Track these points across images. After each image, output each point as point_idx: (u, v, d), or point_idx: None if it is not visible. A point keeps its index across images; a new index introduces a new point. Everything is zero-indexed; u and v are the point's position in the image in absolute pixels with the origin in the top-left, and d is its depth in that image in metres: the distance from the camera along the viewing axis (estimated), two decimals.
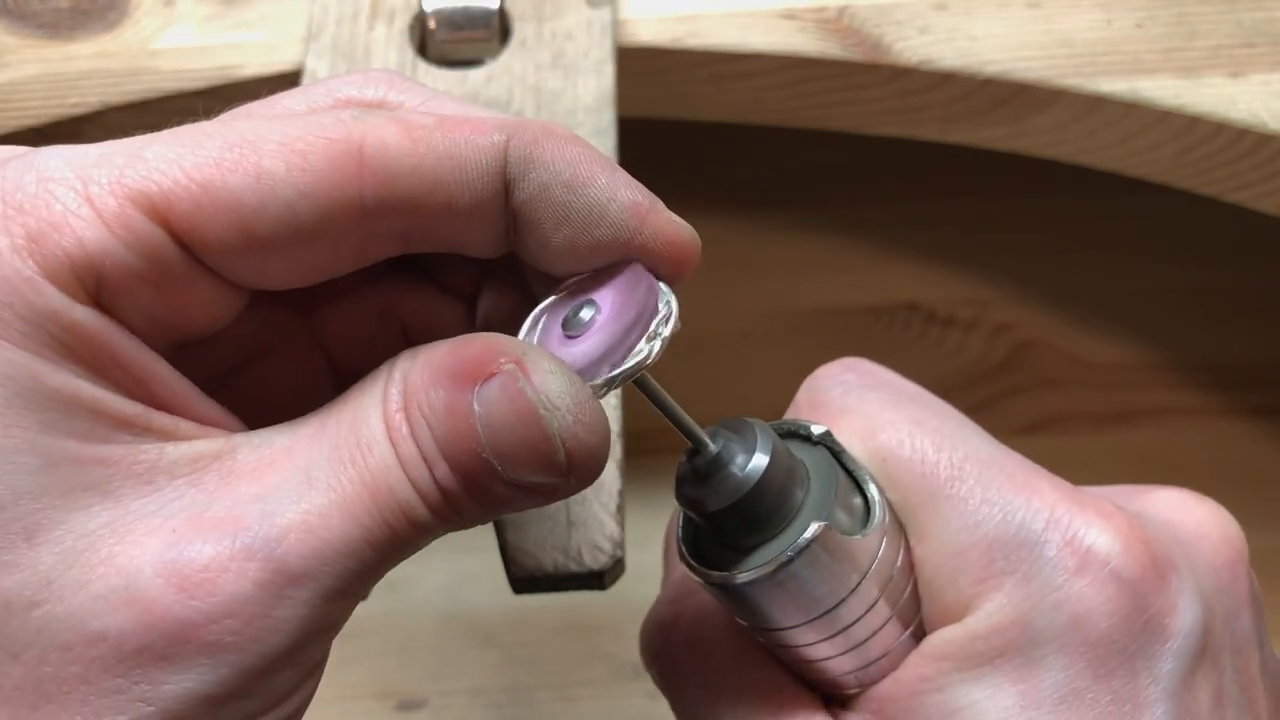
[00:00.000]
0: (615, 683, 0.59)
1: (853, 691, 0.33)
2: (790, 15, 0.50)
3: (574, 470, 0.29)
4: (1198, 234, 0.61)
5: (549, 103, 0.47)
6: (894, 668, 0.33)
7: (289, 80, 0.48)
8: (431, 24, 0.48)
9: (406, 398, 0.28)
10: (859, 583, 0.32)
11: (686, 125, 0.53)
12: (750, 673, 0.34)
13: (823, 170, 0.59)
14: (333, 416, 0.29)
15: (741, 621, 0.33)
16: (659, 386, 0.30)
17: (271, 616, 0.27)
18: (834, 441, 0.33)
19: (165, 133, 0.29)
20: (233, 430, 0.29)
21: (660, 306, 0.30)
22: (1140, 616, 0.31)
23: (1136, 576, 0.32)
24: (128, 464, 0.27)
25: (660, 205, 0.31)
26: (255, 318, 0.32)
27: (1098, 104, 0.49)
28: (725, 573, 0.31)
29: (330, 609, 0.28)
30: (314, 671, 0.29)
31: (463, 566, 0.62)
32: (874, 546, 0.32)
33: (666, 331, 0.29)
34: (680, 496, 0.32)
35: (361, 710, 0.58)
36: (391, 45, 0.48)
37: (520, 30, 0.49)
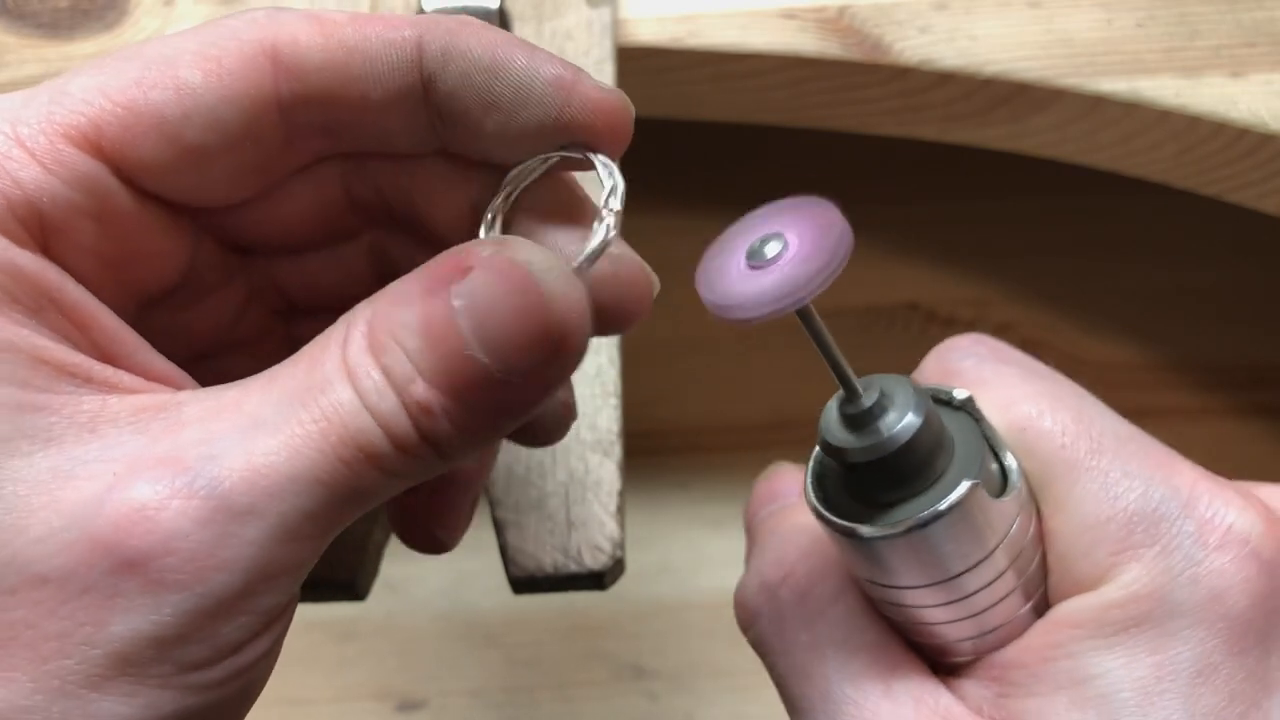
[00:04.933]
0: (615, 683, 0.59)
1: (962, 659, 0.33)
2: (790, 15, 0.50)
3: (567, 341, 0.28)
4: (1198, 234, 0.61)
5: None
6: (1010, 639, 0.33)
7: None
8: None
9: (371, 334, 0.28)
10: (992, 550, 0.31)
11: (686, 125, 0.53)
12: (862, 634, 0.33)
13: (823, 170, 0.59)
14: (284, 369, 0.28)
15: (863, 577, 0.33)
16: (822, 324, 0.30)
17: (215, 555, 0.26)
18: (975, 408, 0.33)
19: (88, 64, 0.29)
20: (178, 382, 0.29)
21: (606, 179, 0.30)
22: (1276, 597, 0.32)
23: (1274, 558, 0.32)
24: (70, 412, 0.27)
25: (585, 75, 0.30)
26: (229, 303, 0.32)
27: (1098, 104, 0.49)
28: (872, 525, 0.31)
29: (281, 550, 0.27)
30: (271, 625, 0.28)
31: (463, 566, 0.62)
32: (1011, 514, 0.32)
33: (617, 205, 0.30)
34: (825, 444, 0.31)
35: (361, 710, 0.58)
36: None
37: (520, 30, 0.49)
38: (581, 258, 0.30)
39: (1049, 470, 0.33)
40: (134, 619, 0.26)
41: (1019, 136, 0.51)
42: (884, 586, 0.32)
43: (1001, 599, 0.32)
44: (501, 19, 0.49)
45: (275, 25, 0.29)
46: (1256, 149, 0.48)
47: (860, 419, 0.31)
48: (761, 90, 0.51)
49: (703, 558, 0.62)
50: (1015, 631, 0.33)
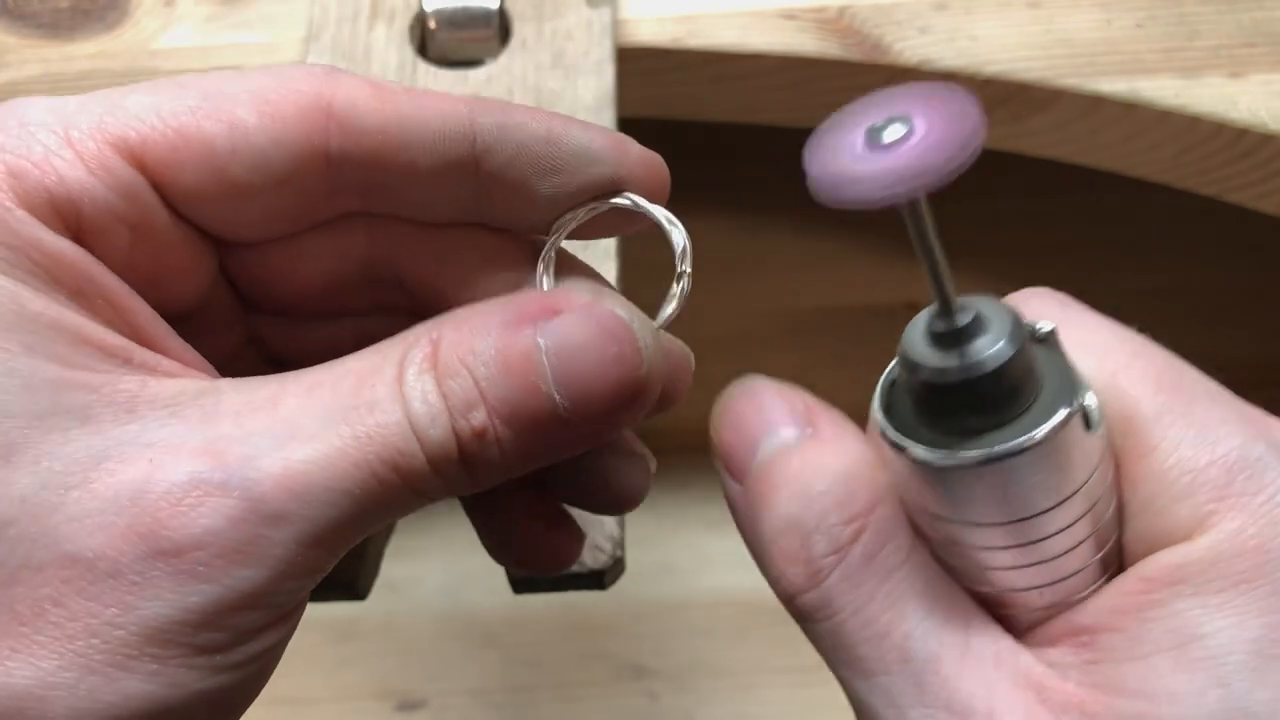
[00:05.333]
0: (615, 683, 0.60)
1: (1025, 616, 0.31)
2: (790, 15, 0.50)
3: (643, 396, 0.30)
4: (1197, 234, 0.61)
5: (549, 103, 0.47)
6: (1075, 593, 0.31)
7: None
8: (432, 24, 0.48)
9: (439, 355, 0.29)
10: (1075, 490, 0.29)
11: (686, 125, 0.53)
12: (938, 586, 0.31)
13: None
14: (327, 378, 0.29)
15: (931, 511, 0.30)
16: (932, 223, 0.28)
17: (243, 553, 0.27)
18: (1059, 342, 0.31)
19: (143, 84, 0.30)
20: (205, 372, 0.30)
21: (677, 238, 0.32)
22: None
23: None
24: (109, 392, 0.27)
25: (630, 139, 0.32)
26: (226, 344, 0.33)
27: (1097, 104, 0.49)
28: (963, 452, 0.29)
29: (307, 554, 0.28)
30: (286, 618, 0.29)
31: (463, 566, 0.62)
32: (1096, 453, 0.30)
33: (689, 267, 0.32)
34: (908, 361, 0.29)
35: (361, 710, 0.58)
36: (391, 45, 0.48)
37: (520, 30, 0.49)
38: (661, 319, 0.32)
39: (1139, 413, 0.31)
40: (160, 604, 0.27)
41: (1019, 136, 0.51)
42: (955, 523, 0.30)
43: (1074, 546, 0.30)
44: (501, 19, 0.49)
45: (334, 83, 0.30)
46: (1256, 149, 0.48)
47: (951, 338, 0.29)
48: (761, 90, 0.51)
49: (703, 558, 0.62)
50: (1082, 584, 0.31)
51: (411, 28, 0.49)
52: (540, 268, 0.32)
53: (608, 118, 0.46)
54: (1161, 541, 0.30)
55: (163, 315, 0.30)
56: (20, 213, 0.28)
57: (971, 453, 0.28)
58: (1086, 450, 0.30)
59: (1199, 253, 0.63)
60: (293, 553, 0.27)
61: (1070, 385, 0.29)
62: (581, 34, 0.49)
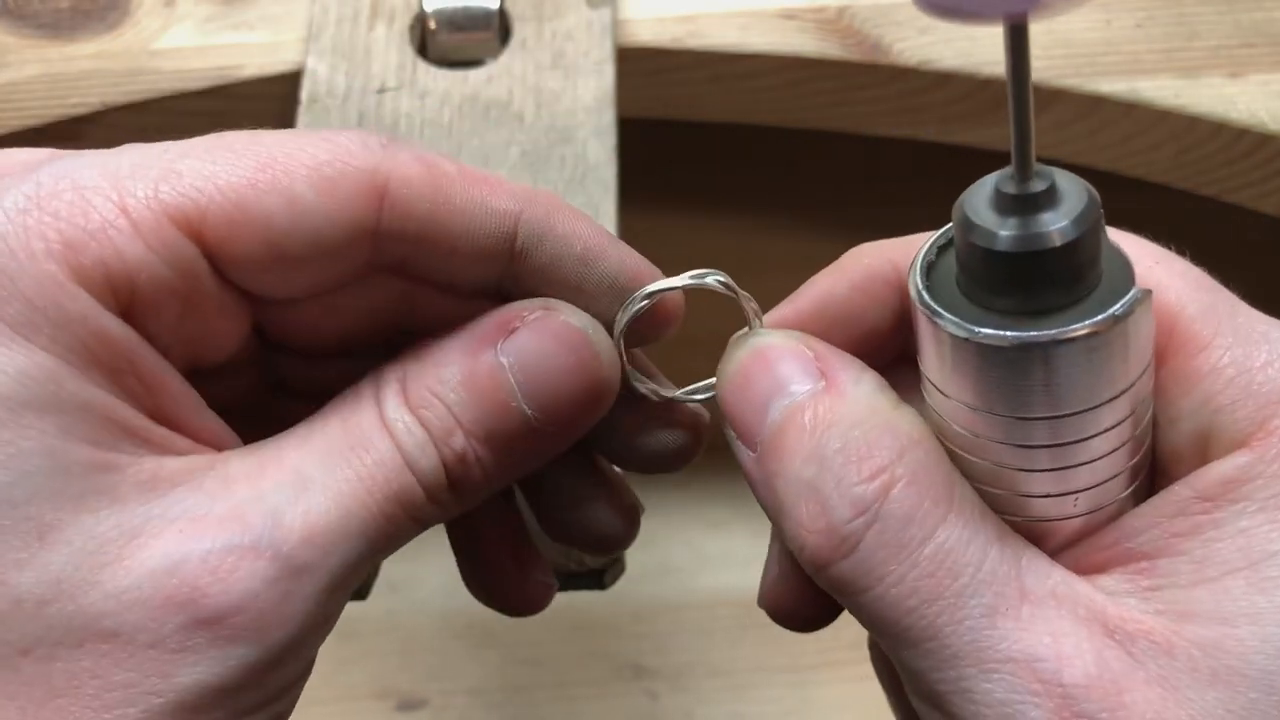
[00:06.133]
0: (615, 683, 0.60)
1: (1065, 533, 0.30)
2: (790, 15, 0.50)
3: (607, 396, 0.31)
4: (1197, 234, 0.61)
5: (549, 103, 0.47)
6: (1103, 504, 0.29)
7: (289, 80, 0.48)
8: (432, 24, 0.48)
9: (407, 390, 0.30)
10: (1129, 384, 0.28)
11: (686, 125, 0.53)
12: (986, 529, 0.29)
13: (823, 170, 0.59)
14: (317, 424, 0.30)
15: (968, 404, 0.28)
16: (1029, 56, 0.26)
17: (279, 611, 0.28)
18: (1109, 236, 0.29)
19: (194, 145, 0.30)
20: (226, 443, 0.30)
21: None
22: None
23: None
24: (133, 472, 0.28)
25: (657, 271, 0.33)
26: (245, 381, 0.33)
27: (1097, 104, 0.49)
28: (1034, 330, 0.27)
29: (330, 601, 0.29)
30: (309, 667, 0.30)
31: None
32: (1151, 349, 0.28)
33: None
34: (970, 226, 0.27)
35: (361, 710, 0.58)
36: (391, 45, 0.48)
37: (520, 30, 0.49)
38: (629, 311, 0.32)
39: (1184, 312, 0.30)
40: (200, 671, 0.27)
41: None
42: (999, 416, 0.28)
43: (1112, 451, 0.28)
44: (501, 19, 0.49)
45: (391, 161, 0.30)
46: (1255, 149, 0.48)
47: (1022, 204, 0.27)
48: (761, 90, 0.51)
49: (703, 558, 0.62)
50: (1115, 492, 0.29)
51: (411, 28, 0.49)
52: (619, 342, 0.32)
53: (607, 118, 0.47)
54: (1216, 448, 0.29)
55: (197, 368, 0.31)
56: (72, 287, 0.28)
57: (1041, 332, 0.27)
58: (1146, 341, 0.28)
59: (1199, 253, 0.63)
60: (320, 603, 0.28)
61: (1127, 275, 0.28)
62: (581, 34, 0.49)
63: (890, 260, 0.32)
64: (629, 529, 0.35)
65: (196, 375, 0.31)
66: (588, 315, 0.31)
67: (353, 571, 0.29)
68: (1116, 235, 0.30)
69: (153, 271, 0.28)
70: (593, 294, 0.32)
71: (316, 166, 0.29)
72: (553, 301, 0.31)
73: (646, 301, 0.32)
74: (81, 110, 0.48)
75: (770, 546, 0.34)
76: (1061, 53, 0.49)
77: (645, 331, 0.32)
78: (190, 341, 0.30)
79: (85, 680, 0.27)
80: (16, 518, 0.27)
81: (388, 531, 0.29)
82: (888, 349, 0.32)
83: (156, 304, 0.29)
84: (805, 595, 0.32)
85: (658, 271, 0.33)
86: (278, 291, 0.31)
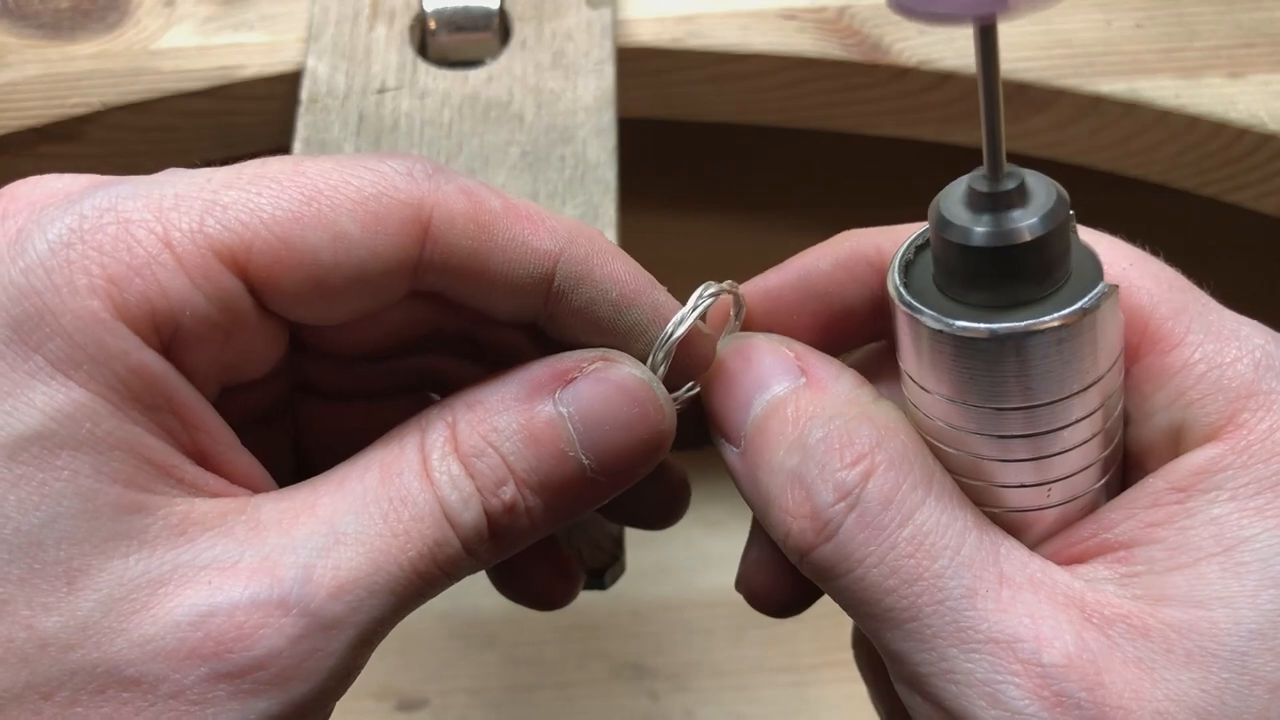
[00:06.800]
0: (615, 683, 0.60)
1: (1040, 525, 0.30)
2: (790, 15, 0.50)
3: (664, 447, 0.31)
4: (1198, 234, 0.61)
5: (549, 103, 0.47)
6: (1081, 491, 0.30)
7: (289, 80, 0.48)
8: (432, 24, 0.48)
9: (458, 438, 0.30)
10: (1098, 376, 0.29)
11: (686, 125, 0.53)
12: (963, 515, 0.29)
13: (823, 170, 0.59)
14: (354, 471, 0.30)
15: (945, 396, 0.29)
16: (998, 59, 0.28)
17: (302, 668, 0.28)
18: (1076, 229, 0.29)
19: (238, 174, 0.29)
20: (259, 481, 0.30)
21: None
22: None
23: None
24: (163, 514, 0.28)
25: (696, 324, 0.32)
26: (274, 391, 0.33)
27: (1097, 104, 0.49)
28: (1008, 323, 0.28)
29: (355, 657, 0.29)
30: (329, 715, 0.30)
31: None
32: (1118, 340, 0.29)
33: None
34: (945, 223, 0.28)
35: (361, 710, 0.58)
36: (392, 45, 0.48)
37: (520, 30, 0.49)
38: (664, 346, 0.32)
39: (1156, 311, 0.30)
40: None
41: (1019, 137, 0.51)
42: (975, 408, 0.29)
43: (1083, 442, 0.29)
44: (501, 19, 0.49)
45: (436, 194, 0.30)
46: (1255, 149, 0.48)
47: (993, 201, 0.28)
48: (761, 91, 0.51)
49: (703, 558, 0.62)
50: (1087, 483, 0.30)
51: (411, 28, 0.49)
52: (660, 358, 0.32)
53: (607, 118, 0.47)
54: (1187, 441, 0.30)
55: (232, 384, 0.31)
56: (114, 324, 0.27)
57: (1014, 324, 0.28)
58: (1114, 334, 0.29)
59: (1199, 253, 0.63)
60: (345, 660, 0.28)
61: (1096, 271, 0.29)
62: (581, 34, 0.49)
63: (875, 244, 0.33)
64: (682, 500, 0.36)
65: (225, 391, 0.31)
66: (643, 366, 0.31)
67: (380, 626, 0.29)
68: (1094, 236, 0.31)
69: (196, 307, 0.28)
70: (625, 337, 0.32)
71: (362, 200, 0.29)
72: (611, 352, 0.31)
73: (674, 339, 0.32)
74: (81, 110, 0.48)
75: (751, 533, 0.35)
76: (1061, 53, 0.49)
77: (678, 380, 0.32)
78: (227, 368, 0.30)
79: None
80: (46, 561, 0.27)
81: (418, 587, 0.29)
82: (862, 329, 0.34)
83: (199, 338, 0.29)
84: (782, 579, 0.34)
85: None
86: (318, 321, 0.30)
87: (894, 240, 0.31)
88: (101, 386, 0.27)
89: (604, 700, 0.59)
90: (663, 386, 0.31)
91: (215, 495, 0.29)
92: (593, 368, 0.31)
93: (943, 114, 0.51)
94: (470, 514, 0.29)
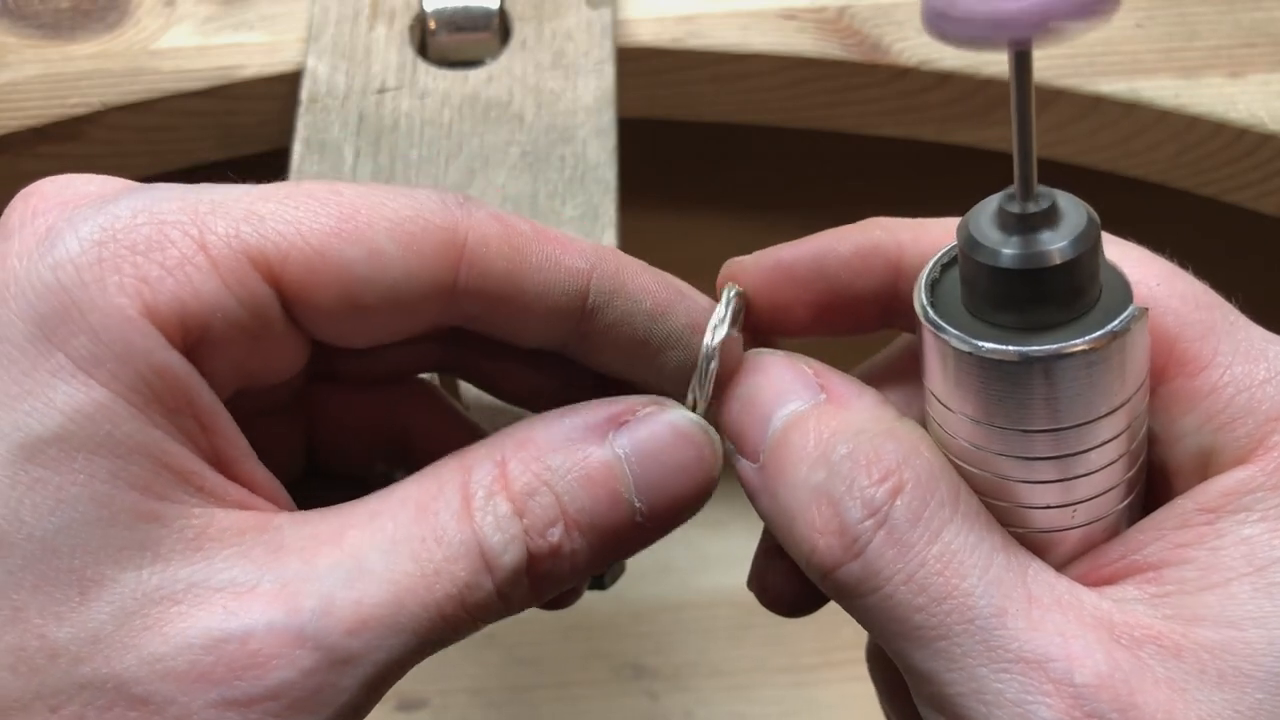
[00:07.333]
0: (615, 683, 0.60)
1: (1065, 546, 0.30)
2: (790, 15, 0.50)
3: (709, 494, 0.31)
4: (1197, 234, 0.61)
5: (549, 103, 0.47)
6: (1105, 513, 0.30)
7: (289, 80, 0.48)
8: (432, 24, 0.48)
9: (509, 476, 0.29)
10: (1125, 400, 0.29)
11: (686, 125, 0.53)
12: (990, 534, 0.29)
13: (823, 170, 0.59)
14: (387, 506, 0.29)
15: (970, 417, 0.29)
16: (1032, 83, 0.27)
17: (313, 700, 0.27)
18: (1102, 249, 0.29)
19: (274, 189, 0.29)
20: (275, 495, 0.30)
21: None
22: None
23: None
24: (179, 525, 0.28)
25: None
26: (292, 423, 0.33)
27: (1097, 104, 0.49)
28: (1038, 345, 0.27)
29: (369, 694, 0.28)
30: None
31: None
32: (1145, 363, 0.29)
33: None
34: (974, 244, 0.28)
35: None
36: (392, 45, 0.48)
37: (520, 30, 0.49)
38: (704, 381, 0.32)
39: (1183, 332, 0.30)
40: None
41: None
42: (1001, 429, 0.29)
43: (1109, 464, 0.29)
44: (501, 19, 0.49)
45: (470, 220, 0.30)
46: (1255, 149, 0.48)
47: (1023, 222, 0.27)
48: (761, 90, 0.51)
49: (703, 558, 0.62)
50: (1111, 504, 0.30)
51: (411, 28, 0.49)
52: (694, 384, 0.32)
53: (607, 118, 0.47)
54: (1217, 464, 0.30)
55: (250, 393, 0.30)
56: (142, 323, 0.27)
57: (1043, 347, 0.27)
58: (1142, 357, 0.29)
59: (1198, 253, 0.63)
60: (358, 696, 0.28)
61: (1125, 292, 0.28)
62: (581, 34, 0.49)
63: (897, 239, 0.32)
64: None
65: (242, 392, 0.30)
66: (690, 413, 0.31)
67: (397, 667, 0.28)
68: (1123, 248, 0.31)
69: (228, 311, 0.28)
70: (659, 348, 0.31)
71: (399, 221, 0.29)
72: (662, 399, 0.31)
73: (714, 362, 0.31)
74: (81, 110, 0.48)
75: (764, 532, 0.34)
76: (1061, 53, 0.49)
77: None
78: (246, 376, 0.30)
79: None
80: (59, 568, 0.27)
81: (441, 630, 0.28)
82: (863, 320, 0.33)
83: (226, 343, 0.28)
84: (795, 577, 0.33)
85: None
86: (346, 342, 0.30)
87: (920, 236, 0.32)
88: (123, 387, 0.27)
89: (604, 700, 0.59)
90: (715, 432, 0.31)
91: (235, 505, 0.28)
92: (646, 411, 0.30)
93: (943, 114, 0.51)
94: (510, 556, 0.29)
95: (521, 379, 0.34)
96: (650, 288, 0.31)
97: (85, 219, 0.28)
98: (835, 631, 0.60)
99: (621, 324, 0.31)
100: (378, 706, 0.29)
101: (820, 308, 0.33)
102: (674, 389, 0.32)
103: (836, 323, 0.33)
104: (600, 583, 0.39)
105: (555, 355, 0.32)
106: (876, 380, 0.33)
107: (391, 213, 0.29)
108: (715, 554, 0.61)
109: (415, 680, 0.59)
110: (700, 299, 0.32)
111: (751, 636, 0.60)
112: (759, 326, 0.33)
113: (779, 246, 0.33)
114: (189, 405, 0.28)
